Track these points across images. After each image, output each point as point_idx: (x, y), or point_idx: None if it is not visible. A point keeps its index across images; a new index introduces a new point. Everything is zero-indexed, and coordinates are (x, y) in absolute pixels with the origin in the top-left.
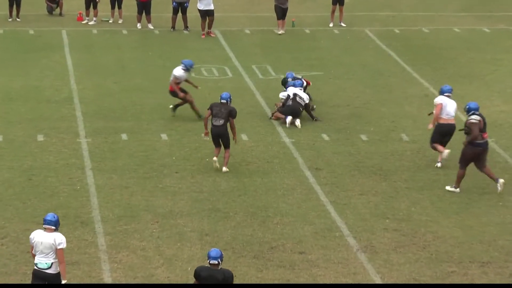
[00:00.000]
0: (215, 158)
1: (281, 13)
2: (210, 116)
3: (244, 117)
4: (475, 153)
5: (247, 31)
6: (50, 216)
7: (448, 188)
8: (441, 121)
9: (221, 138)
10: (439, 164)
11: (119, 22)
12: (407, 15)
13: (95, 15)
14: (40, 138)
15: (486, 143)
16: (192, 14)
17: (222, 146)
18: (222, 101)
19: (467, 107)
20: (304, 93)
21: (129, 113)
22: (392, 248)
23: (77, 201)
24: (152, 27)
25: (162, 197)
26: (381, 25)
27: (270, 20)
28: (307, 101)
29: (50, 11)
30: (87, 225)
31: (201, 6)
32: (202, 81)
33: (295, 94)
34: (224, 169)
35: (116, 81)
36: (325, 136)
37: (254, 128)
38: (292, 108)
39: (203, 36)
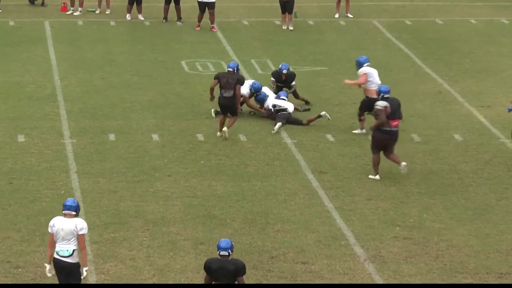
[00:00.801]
0: (225, 129)
1: (284, 6)
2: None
3: (242, 115)
4: (384, 139)
5: (246, 23)
6: (70, 201)
7: (370, 176)
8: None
9: (229, 110)
10: None
11: (107, 12)
12: (418, 5)
13: (81, 5)
14: (21, 138)
15: (394, 132)
16: (186, 4)
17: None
18: (229, 69)
19: (378, 89)
20: (286, 102)
21: (117, 111)
22: (403, 258)
23: (61, 207)
24: (143, 18)
25: (153, 202)
26: (391, 16)
27: (271, 10)
28: (290, 111)
29: (32, 1)
30: None
31: None
32: (197, 77)
33: (274, 105)
34: (225, 129)
35: (103, 76)
36: (330, 137)
37: (253, 127)
38: (285, 116)
39: (198, 28)
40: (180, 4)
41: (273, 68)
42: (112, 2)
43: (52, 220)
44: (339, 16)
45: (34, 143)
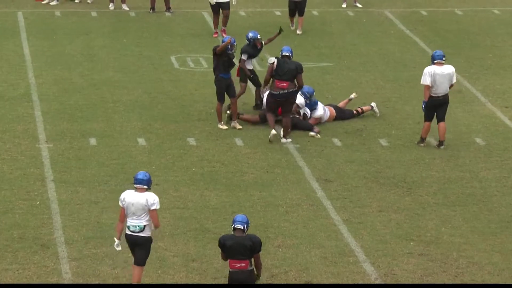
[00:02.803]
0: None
1: (293, 9)
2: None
3: (237, 118)
4: (272, 102)
5: (242, 13)
6: (141, 174)
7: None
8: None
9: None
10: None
11: (88, 2)
12: None
13: None
14: None
15: (281, 95)
16: None
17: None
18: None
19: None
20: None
21: (99, 112)
22: (418, 276)
23: (36, 219)
24: (127, 8)
25: None
26: (405, 5)
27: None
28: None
29: None
30: (48, 249)
31: (213, 0)
32: (188, 74)
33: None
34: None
35: (83, 74)
36: (337, 141)
37: (251, 130)
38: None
39: (215, 35)
40: None
41: None
42: None
43: (122, 194)
44: (346, 5)
45: (6, 148)
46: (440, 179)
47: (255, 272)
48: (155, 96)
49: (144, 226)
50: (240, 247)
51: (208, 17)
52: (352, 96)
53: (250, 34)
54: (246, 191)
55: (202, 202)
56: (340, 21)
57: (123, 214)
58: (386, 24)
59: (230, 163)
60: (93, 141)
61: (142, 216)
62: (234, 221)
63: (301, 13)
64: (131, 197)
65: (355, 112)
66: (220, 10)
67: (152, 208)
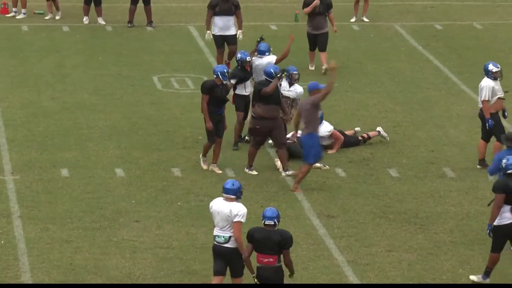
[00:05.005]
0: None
1: (313, 41)
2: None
3: (228, 143)
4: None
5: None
6: (229, 183)
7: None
8: None
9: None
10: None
11: (57, 18)
12: (451, 5)
13: (23, 6)
14: None
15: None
16: (158, 5)
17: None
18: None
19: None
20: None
21: (72, 140)
22: None
23: (0, 261)
24: (104, 22)
25: (118, 255)
26: (417, 18)
27: (265, 12)
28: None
29: None
30: None
31: (215, 30)
32: (173, 96)
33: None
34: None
35: (54, 96)
36: (340, 171)
37: (244, 159)
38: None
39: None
40: (151, 4)
41: None
42: (66, 3)
43: (212, 201)
44: (356, 20)
45: None
46: (457, 215)
47: (288, 269)
48: (135, 121)
49: (229, 237)
50: (269, 242)
51: (195, 31)
52: (357, 129)
53: (239, 55)
54: None
55: (189, 241)
56: (345, 36)
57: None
58: (396, 40)
59: (220, 197)
60: (65, 172)
61: (226, 226)
62: (264, 217)
63: (322, 48)
64: (217, 206)
65: (360, 138)
66: (226, 45)
67: (235, 220)
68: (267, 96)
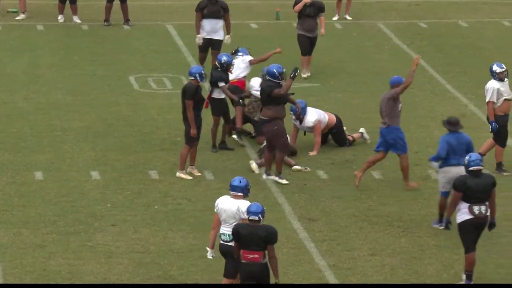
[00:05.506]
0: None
1: (307, 45)
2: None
3: (206, 146)
4: None
5: None
6: (236, 180)
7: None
8: None
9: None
10: None
11: (18, 18)
12: (436, 3)
13: None
14: None
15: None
16: (135, 3)
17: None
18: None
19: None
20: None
21: (46, 142)
22: None
23: None
24: (79, 21)
25: (92, 260)
26: (401, 16)
27: (245, 10)
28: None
29: None
30: None
31: (202, 33)
32: (149, 97)
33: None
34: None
35: (27, 96)
36: (322, 173)
37: (223, 161)
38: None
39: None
40: (128, 2)
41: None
42: (40, 0)
43: (218, 199)
44: (338, 18)
45: None
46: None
47: (272, 269)
48: (111, 123)
49: None
50: (255, 238)
51: (173, 30)
52: (362, 130)
53: (225, 58)
54: None
55: (166, 245)
56: (327, 35)
57: (216, 220)
58: (380, 38)
59: (198, 200)
60: (38, 175)
61: (233, 225)
62: (248, 213)
63: (310, 52)
64: (224, 203)
65: (350, 138)
66: (210, 49)
67: (243, 217)
68: (279, 97)
